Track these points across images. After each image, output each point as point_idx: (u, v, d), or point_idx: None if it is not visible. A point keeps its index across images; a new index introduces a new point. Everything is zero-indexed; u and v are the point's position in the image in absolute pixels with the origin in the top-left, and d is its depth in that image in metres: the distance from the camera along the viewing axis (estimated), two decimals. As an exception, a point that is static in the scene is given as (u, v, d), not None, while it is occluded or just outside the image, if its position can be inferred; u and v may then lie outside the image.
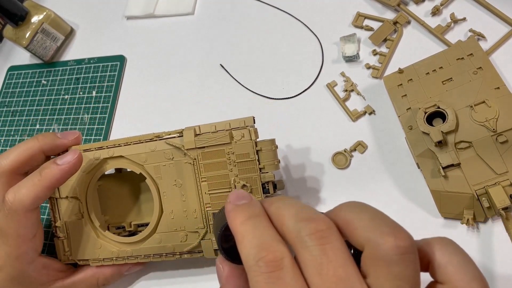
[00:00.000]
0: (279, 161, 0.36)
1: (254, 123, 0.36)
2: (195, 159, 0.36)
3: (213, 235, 0.36)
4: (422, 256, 0.21)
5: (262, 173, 0.35)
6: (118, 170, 0.43)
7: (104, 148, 0.38)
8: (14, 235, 0.35)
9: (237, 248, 0.21)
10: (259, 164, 0.35)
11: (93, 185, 0.39)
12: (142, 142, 0.38)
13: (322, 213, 0.21)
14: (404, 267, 0.18)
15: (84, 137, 0.54)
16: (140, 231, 0.39)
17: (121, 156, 0.38)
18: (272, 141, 0.36)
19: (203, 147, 0.36)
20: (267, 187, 0.36)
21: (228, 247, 0.23)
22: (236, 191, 0.24)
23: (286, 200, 0.23)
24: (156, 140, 0.37)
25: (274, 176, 0.36)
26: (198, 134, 0.36)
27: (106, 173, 0.40)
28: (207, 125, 0.36)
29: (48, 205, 0.40)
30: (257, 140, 0.36)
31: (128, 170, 0.42)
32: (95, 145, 0.39)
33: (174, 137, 0.37)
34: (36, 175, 0.35)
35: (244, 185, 0.35)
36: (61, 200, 0.39)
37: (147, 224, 0.39)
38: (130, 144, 0.38)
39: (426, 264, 0.21)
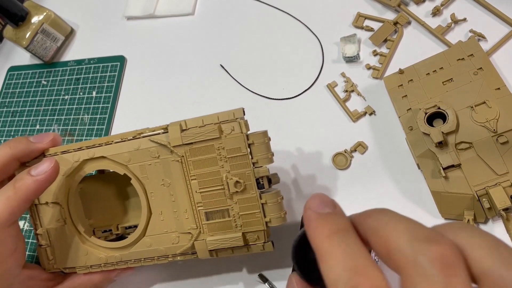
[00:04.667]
0: (272, 154, 0.34)
1: (244, 114, 0.34)
2: (182, 156, 0.34)
3: (207, 236, 0.34)
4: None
5: (256, 167, 0.33)
6: (101, 171, 0.41)
7: (83, 149, 0.36)
8: None
9: (316, 266, 0.17)
10: (252, 158, 0.33)
11: (74, 188, 0.37)
12: (125, 141, 0.35)
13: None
14: None
15: (84, 138, 0.54)
16: (129, 234, 0.37)
17: (103, 157, 0.36)
18: (265, 133, 0.34)
19: (191, 143, 0.33)
20: (261, 182, 0.33)
21: (305, 262, 0.20)
22: (319, 195, 0.20)
23: (387, 212, 0.18)
24: (139, 138, 0.35)
25: (269, 170, 0.34)
26: (185, 130, 0.34)
27: (87, 174, 0.38)
28: (194, 119, 0.34)
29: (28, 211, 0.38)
30: (248, 133, 0.34)
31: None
32: (74, 146, 0.36)
33: (159, 133, 0.35)
34: (10, 188, 0.32)
35: (237, 182, 0.33)
36: (41, 206, 0.37)
37: (135, 226, 0.37)
38: (111, 144, 0.35)
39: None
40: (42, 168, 0.33)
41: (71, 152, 0.36)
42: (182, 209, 0.35)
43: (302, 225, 0.20)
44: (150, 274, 0.43)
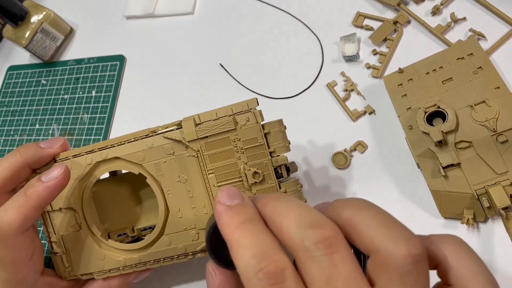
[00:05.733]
0: (289, 142, 0.34)
1: (258, 105, 0.33)
2: (198, 151, 0.34)
3: None
4: (431, 256, 0.19)
5: (273, 157, 0.33)
6: (113, 174, 0.41)
7: (95, 151, 0.35)
8: (10, 260, 0.32)
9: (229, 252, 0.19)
10: (269, 148, 0.33)
11: (87, 192, 0.36)
12: (138, 140, 0.35)
13: (318, 210, 0.20)
14: (417, 277, 0.17)
15: (83, 137, 0.54)
16: (145, 235, 0.36)
17: (116, 158, 0.35)
18: (280, 121, 0.34)
19: (206, 136, 0.33)
20: (280, 171, 0.33)
21: (220, 250, 0.21)
22: (227, 188, 0.21)
23: (282, 199, 0.20)
24: (152, 136, 0.34)
25: (287, 159, 0.33)
26: (199, 124, 0.33)
27: (99, 178, 0.37)
28: (207, 113, 0.33)
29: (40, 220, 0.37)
30: (263, 122, 0.33)
31: (124, 171, 0.40)
32: (85, 149, 0.36)
33: (172, 129, 0.34)
34: (21, 196, 0.32)
35: (255, 172, 0.33)
36: (54, 213, 0.36)
37: (151, 227, 0.36)
38: (124, 144, 0.35)
39: (435, 264, 0.20)
40: (53, 174, 0.32)
41: (83, 155, 0.36)
42: (200, 205, 0.34)
43: (213, 217, 0.21)
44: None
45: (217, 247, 0.22)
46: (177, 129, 0.34)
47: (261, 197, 0.21)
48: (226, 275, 0.22)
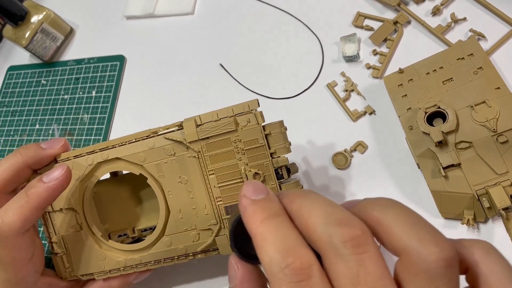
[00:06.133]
0: (290, 144, 0.34)
1: (259, 106, 0.33)
2: (199, 151, 0.34)
3: (228, 230, 0.34)
4: (461, 260, 0.19)
5: (274, 158, 0.33)
6: (114, 174, 0.41)
7: (96, 152, 0.35)
8: (10, 261, 0.32)
9: (253, 247, 0.19)
10: (270, 149, 0.33)
11: (88, 193, 0.36)
12: (139, 140, 0.35)
13: (348, 210, 0.19)
14: (448, 281, 0.17)
15: (83, 137, 0.54)
16: (145, 236, 0.36)
17: (117, 158, 0.35)
18: (281, 122, 0.34)
19: (207, 137, 0.33)
20: (280, 172, 0.33)
21: (243, 244, 0.21)
22: (252, 182, 0.21)
23: (309, 195, 0.20)
24: (153, 137, 0.35)
25: (288, 160, 0.34)
26: (200, 125, 0.33)
27: (100, 178, 0.37)
28: (208, 114, 0.34)
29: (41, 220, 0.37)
30: (264, 123, 0.34)
31: (125, 172, 0.40)
32: (86, 150, 0.36)
33: (173, 130, 0.34)
34: (22, 196, 0.32)
35: (256, 173, 0.33)
36: (55, 214, 0.36)
37: (151, 228, 0.36)
38: (125, 144, 0.35)
39: (464, 268, 0.19)
40: (54, 174, 0.32)
41: (84, 156, 0.36)
42: (201, 205, 0.34)
43: (237, 211, 0.21)
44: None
45: (241, 240, 0.21)
46: (178, 130, 0.34)
47: (287, 193, 0.21)
48: (248, 269, 0.21)
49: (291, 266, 0.17)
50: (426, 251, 0.17)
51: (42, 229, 0.41)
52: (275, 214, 0.20)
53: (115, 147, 0.35)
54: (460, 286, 0.19)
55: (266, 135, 0.33)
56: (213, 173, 0.34)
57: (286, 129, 0.34)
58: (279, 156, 0.33)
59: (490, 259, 0.19)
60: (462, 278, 0.20)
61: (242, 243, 0.21)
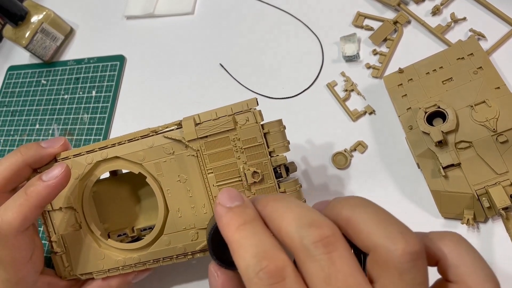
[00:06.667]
0: (288, 142, 0.34)
1: (257, 104, 0.34)
2: (198, 150, 0.34)
3: None
4: (431, 253, 0.20)
5: (272, 156, 0.33)
6: (113, 173, 0.41)
7: (96, 151, 0.36)
8: (10, 260, 0.32)
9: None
10: (268, 147, 0.33)
11: (88, 192, 0.36)
12: (138, 139, 0.35)
13: (317, 209, 0.20)
14: (416, 274, 0.18)
15: (84, 137, 0.54)
16: (144, 236, 0.37)
17: (116, 157, 0.35)
18: (279, 121, 0.34)
19: (206, 136, 0.33)
20: (279, 171, 0.34)
21: (222, 251, 0.21)
22: (227, 190, 0.22)
23: (281, 199, 0.21)
24: (153, 135, 0.35)
25: (286, 158, 0.34)
26: (199, 123, 0.34)
27: (100, 177, 0.37)
28: (207, 113, 0.34)
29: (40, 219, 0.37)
30: (263, 122, 0.34)
31: (124, 171, 0.40)
32: (86, 149, 0.36)
33: (172, 129, 0.34)
34: (21, 195, 0.32)
35: (254, 172, 0.33)
36: (54, 213, 0.36)
37: (151, 227, 0.36)
38: (124, 143, 0.35)
39: (435, 261, 0.20)
40: (53, 173, 0.32)
41: (83, 154, 0.36)
42: (200, 204, 0.35)
43: (214, 219, 0.22)
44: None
45: (219, 248, 0.22)
46: (177, 128, 0.34)
47: (261, 198, 0.21)
48: (228, 275, 0.22)
49: (265, 270, 0.18)
50: (393, 247, 0.18)
51: (42, 228, 0.41)
52: (250, 220, 0.20)
53: (114, 145, 0.35)
54: (434, 278, 0.20)
55: (264, 134, 0.33)
56: (212, 172, 0.34)
57: (284, 127, 0.34)
58: (278, 155, 0.33)
59: (459, 249, 0.20)
60: (434, 269, 0.20)
61: (221, 251, 0.22)
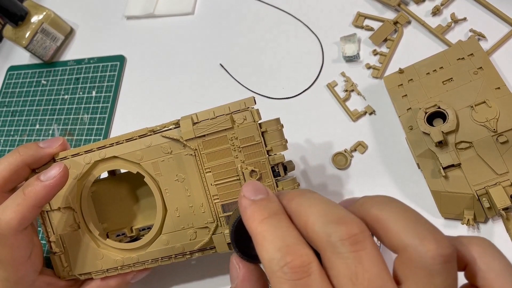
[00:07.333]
0: (286, 141, 0.34)
1: (255, 103, 0.33)
2: (196, 149, 0.34)
3: (225, 229, 0.34)
4: (459, 257, 0.19)
5: (270, 155, 0.33)
6: (112, 173, 0.41)
7: (94, 150, 0.36)
8: (9, 259, 0.33)
9: (254, 247, 0.19)
10: (266, 146, 0.33)
11: (86, 192, 0.36)
12: (136, 139, 0.35)
13: (344, 207, 0.20)
14: (446, 277, 0.17)
15: (84, 137, 0.54)
16: (143, 235, 0.37)
17: (115, 157, 0.35)
18: (277, 120, 0.34)
19: (203, 135, 0.33)
20: (277, 170, 0.33)
21: (244, 243, 0.21)
22: (252, 183, 0.21)
23: (307, 194, 0.20)
24: (151, 135, 0.35)
25: (284, 157, 0.33)
26: (196, 123, 0.33)
27: (98, 177, 0.37)
28: (205, 112, 0.34)
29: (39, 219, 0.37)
30: (261, 121, 0.33)
31: (123, 171, 0.40)
32: (84, 148, 0.36)
33: (170, 129, 0.34)
34: (19, 195, 0.32)
35: (252, 171, 0.33)
36: (53, 213, 0.36)
37: (149, 227, 0.36)
38: (122, 143, 0.35)
39: (463, 265, 0.19)
40: (51, 173, 0.33)
41: (81, 154, 0.36)
42: (198, 204, 0.34)
43: (237, 211, 0.22)
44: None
45: (241, 240, 0.22)
46: (175, 128, 0.34)
47: (286, 193, 0.21)
48: (250, 268, 0.21)
49: (290, 264, 0.17)
50: (424, 248, 0.17)
51: (41, 229, 0.41)
52: (275, 213, 0.20)
53: (113, 145, 0.35)
54: (460, 283, 0.19)
55: (262, 133, 0.33)
56: (210, 171, 0.34)
57: (282, 126, 0.34)
58: (276, 154, 0.33)
59: (488, 255, 0.19)
60: (461, 274, 0.20)
61: (243, 243, 0.21)
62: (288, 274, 0.17)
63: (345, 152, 0.43)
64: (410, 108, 0.40)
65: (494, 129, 0.36)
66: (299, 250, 0.18)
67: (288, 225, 0.19)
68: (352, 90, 0.46)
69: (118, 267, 0.36)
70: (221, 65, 0.53)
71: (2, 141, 0.59)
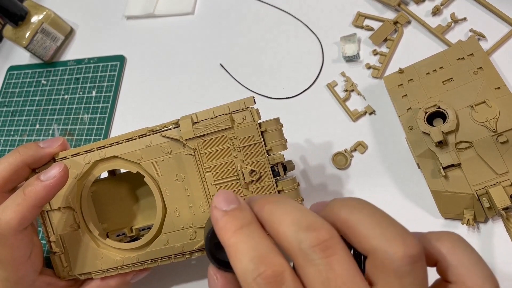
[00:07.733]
0: (286, 141, 0.34)
1: (255, 103, 0.34)
2: (195, 149, 0.34)
3: None
4: (430, 254, 0.20)
5: (270, 155, 0.33)
6: (112, 173, 0.41)
7: (94, 150, 0.36)
8: (9, 259, 0.33)
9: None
10: (266, 146, 0.33)
11: (86, 191, 0.36)
12: (136, 139, 0.35)
13: (315, 211, 0.20)
14: (415, 277, 0.17)
15: (84, 137, 0.54)
16: (143, 235, 0.37)
17: (115, 157, 0.35)
18: (277, 120, 0.34)
19: (203, 135, 0.33)
20: (276, 170, 0.33)
21: (220, 253, 0.21)
22: (223, 193, 0.21)
23: (278, 202, 0.20)
24: (150, 135, 0.35)
25: (284, 157, 0.33)
26: (196, 122, 0.34)
27: (98, 177, 0.37)
28: (205, 111, 0.34)
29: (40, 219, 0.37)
30: (260, 121, 0.33)
31: (123, 171, 0.41)
32: (84, 148, 0.36)
33: (170, 128, 0.34)
34: (19, 195, 0.32)
35: (252, 170, 0.33)
36: (53, 213, 0.36)
37: (149, 227, 0.36)
38: (122, 142, 0.35)
39: (433, 261, 0.20)
40: (51, 173, 0.33)
41: (81, 154, 0.36)
42: (198, 203, 0.34)
43: (210, 222, 0.21)
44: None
45: (217, 250, 0.21)
46: (174, 127, 0.34)
47: (257, 200, 0.21)
48: (227, 278, 0.22)
49: (263, 275, 0.18)
50: (392, 250, 0.17)
51: (41, 229, 0.41)
52: (247, 223, 0.20)
53: (113, 145, 0.35)
54: (433, 278, 0.20)
55: (262, 132, 0.33)
56: (210, 171, 0.34)
57: (282, 126, 0.34)
58: (275, 153, 0.33)
59: (457, 250, 0.19)
60: (433, 269, 0.20)
61: (219, 253, 0.21)
62: (261, 285, 0.18)
63: (345, 152, 0.43)
64: (410, 108, 0.40)
65: (494, 129, 0.36)
66: (272, 259, 0.18)
67: (260, 234, 0.19)
68: (352, 90, 0.46)
69: (118, 267, 0.36)
70: (221, 65, 0.53)
71: (2, 141, 0.59)
